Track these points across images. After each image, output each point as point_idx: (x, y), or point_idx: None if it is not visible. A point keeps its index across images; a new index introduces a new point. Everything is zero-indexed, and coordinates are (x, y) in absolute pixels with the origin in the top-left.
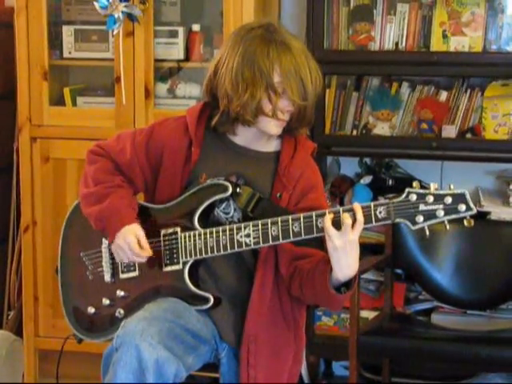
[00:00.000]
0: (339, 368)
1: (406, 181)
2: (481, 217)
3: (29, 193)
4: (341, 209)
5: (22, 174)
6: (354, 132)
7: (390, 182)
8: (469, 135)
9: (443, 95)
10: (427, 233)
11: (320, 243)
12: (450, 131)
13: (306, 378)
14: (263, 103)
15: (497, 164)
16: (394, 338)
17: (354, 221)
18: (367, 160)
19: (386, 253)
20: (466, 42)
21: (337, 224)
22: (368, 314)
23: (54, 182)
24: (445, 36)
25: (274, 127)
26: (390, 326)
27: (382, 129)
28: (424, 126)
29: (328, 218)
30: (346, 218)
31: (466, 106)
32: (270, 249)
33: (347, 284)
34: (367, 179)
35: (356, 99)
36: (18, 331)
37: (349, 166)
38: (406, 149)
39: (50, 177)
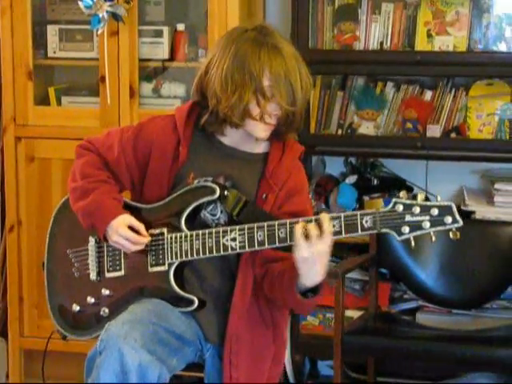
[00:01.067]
0: (325, 367)
1: (390, 180)
2: (466, 216)
3: (14, 192)
4: (313, 218)
5: (7, 174)
6: (339, 131)
7: (375, 182)
8: (453, 135)
9: (428, 95)
10: (413, 244)
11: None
12: (434, 131)
13: (291, 378)
14: (251, 106)
15: (481, 163)
16: (379, 337)
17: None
18: (352, 159)
19: (370, 252)
20: (451, 41)
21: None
22: (353, 314)
23: (39, 182)
24: (429, 35)
25: (261, 131)
26: (374, 325)
27: (366, 128)
28: (409, 125)
29: (300, 226)
30: (313, 229)
31: (450, 106)
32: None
33: (315, 289)
34: (352, 179)
35: (341, 99)
36: (3, 331)
37: (334, 166)
38: (391, 148)
39: (35, 176)
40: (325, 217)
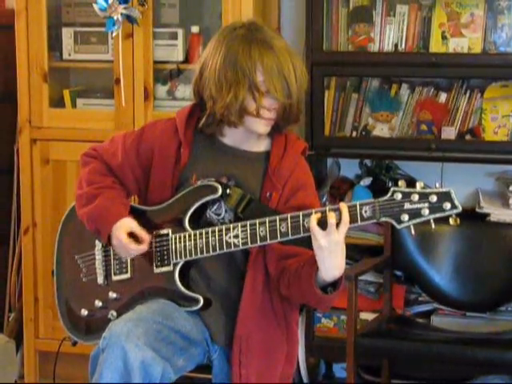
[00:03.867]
0: (340, 370)
1: (405, 182)
2: (480, 218)
3: (29, 194)
4: (327, 208)
5: (22, 176)
6: (354, 133)
7: (390, 184)
8: (468, 137)
9: (442, 96)
10: (412, 232)
11: (309, 243)
12: (449, 133)
13: (305, 379)
14: (247, 103)
15: (496, 165)
16: (394, 339)
17: (340, 220)
18: (367, 162)
19: (385, 254)
20: (466, 43)
21: (323, 224)
22: (368, 316)
23: (54, 184)
24: (444, 37)
25: (261, 126)
26: (389, 327)
27: (381, 130)
28: (423, 127)
29: (314, 217)
30: (331, 218)
31: (465, 108)
32: (260, 249)
33: (334, 284)
34: (367, 181)
35: (356, 101)
36: (19, 333)
37: (349, 168)
38: (406, 150)
39: (50, 178)
40: (343, 206)
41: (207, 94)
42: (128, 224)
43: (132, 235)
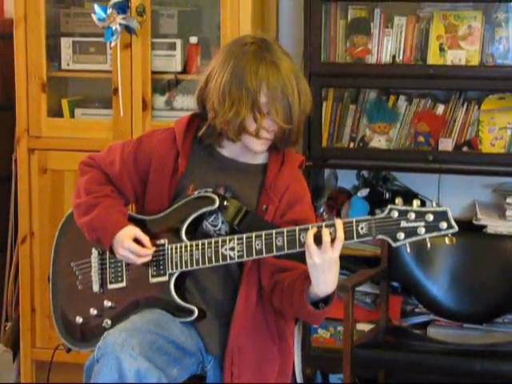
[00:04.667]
0: (336, 380)
1: (402, 194)
2: (477, 230)
3: (26, 204)
4: (323, 224)
5: (20, 185)
6: (351, 145)
7: (387, 195)
8: (465, 148)
9: (440, 108)
10: (408, 250)
11: (302, 257)
12: (446, 144)
13: None
14: (247, 122)
15: (494, 177)
16: (390, 350)
17: (335, 237)
18: (364, 173)
19: (381, 265)
20: (463, 55)
21: (318, 240)
22: (364, 327)
23: (52, 194)
24: (442, 49)
25: (257, 145)
26: (385, 338)
27: (378, 141)
28: (421, 139)
29: (311, 233)
30: (325, 236)
31: (462, 120)
32: (254, 262)
33: (326, 299)
34: (364, 192)
35: (353, 112)
36: (15, 342)
37: (346, 179)
38: (403, 162)
39: (48, 188)
40: (339, 223)
41: (210, 105)
42: (132, 231)
43: (136, 241)
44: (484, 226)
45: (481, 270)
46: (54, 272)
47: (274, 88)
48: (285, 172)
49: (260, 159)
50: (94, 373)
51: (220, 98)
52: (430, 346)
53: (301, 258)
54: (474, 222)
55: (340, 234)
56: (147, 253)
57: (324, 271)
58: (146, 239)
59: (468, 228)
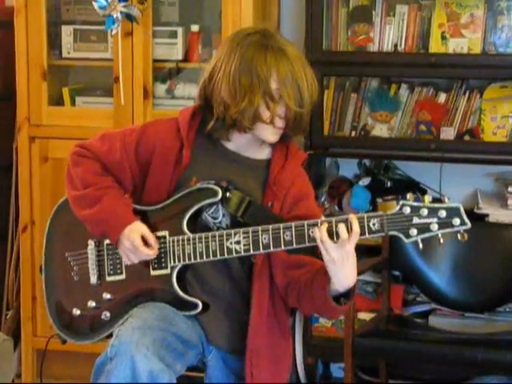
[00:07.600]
0: (337, 370)
1: (404, 183)
2: (479, 219)
3: (27, 192)
4: (334, 219)
5: (21, 174)
6: (353, 133)
7: (389, 184)
8: (467, 137)
9: (442, 97)
10: (420, 246)
11: (312, 251)
12: (448, 133)
13: (303, 380)
14: (261, 110)
15: (495, 166)
16: (391, 339)
17: (351, 232)
18: (366, 161)
19: (383, 254)
20: (465, 43)
21: (331, 234)
22: (365, 316)
23: (53, 182)
24: (444, 37)
25: (270, 134)
26: (387, 327)
27: (380, 130)
28: (422, 127)
29: (324, 229)
30: (343, 233)
31: (464, 108)
32: (265, 260)
33: (347, 293)
34: (366, 181)
35: (355, 100)
36: (16, 331)
37: (347, 168)
38: (405, 150)
39: (49, 177)
40: (353, 218)
41: (218, 98)
42: (140, 228)
43: (142, 239)
44: (486, 215)
45: (482, 259)
46: (47, 263)
47: (284, 73)
48: (288, 168)
49: (263, 154)
50: (106, 370)
51: (231, 90)
52: (431, 335)
53: (311, 252)
54: (476, 210)
55: (356, 227)
56: (148, 254)
57: (343, 266)
58: (152, 239)
59: (470, 217)
